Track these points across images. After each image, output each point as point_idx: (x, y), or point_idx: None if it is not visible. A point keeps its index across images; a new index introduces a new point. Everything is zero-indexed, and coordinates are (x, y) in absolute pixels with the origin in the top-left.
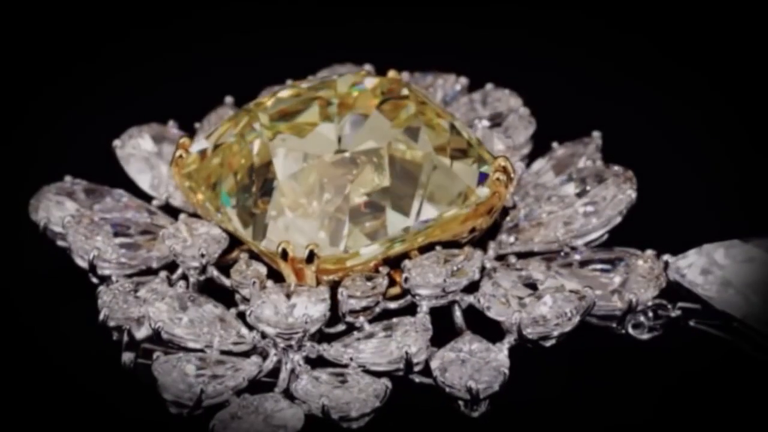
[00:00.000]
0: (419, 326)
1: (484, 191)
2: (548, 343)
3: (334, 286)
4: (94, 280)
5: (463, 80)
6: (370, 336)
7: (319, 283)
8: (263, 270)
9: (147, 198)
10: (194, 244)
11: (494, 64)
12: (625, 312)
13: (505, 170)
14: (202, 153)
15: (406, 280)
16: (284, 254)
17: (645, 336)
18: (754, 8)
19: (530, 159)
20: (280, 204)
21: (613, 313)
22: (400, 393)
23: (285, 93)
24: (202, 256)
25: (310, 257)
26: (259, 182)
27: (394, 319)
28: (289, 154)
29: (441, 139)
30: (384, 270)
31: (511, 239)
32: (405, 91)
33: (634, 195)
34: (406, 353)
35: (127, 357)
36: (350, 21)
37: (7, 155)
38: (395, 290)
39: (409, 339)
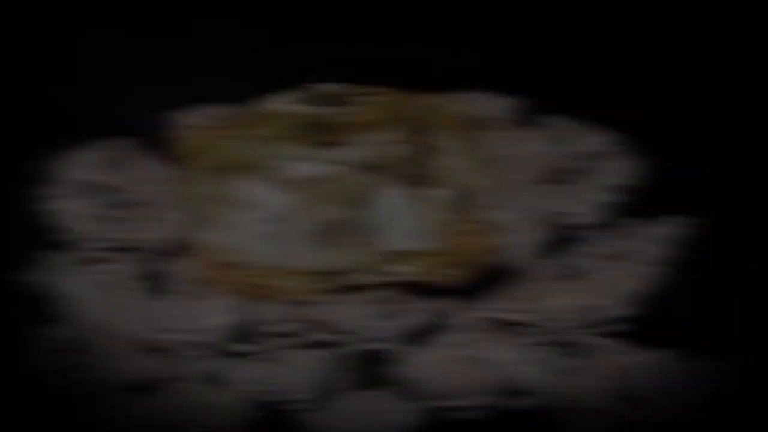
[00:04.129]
0: (305, 362)
1: (450, 243)
2: (462, 415)
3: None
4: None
5: (603, 138)
6: (259, 362)
7: (242, 294)
8: (198, 270)
9: None
10: (156, 228)
11: None
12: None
13: (491, 227)
14: (209, 135)
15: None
16: (205, 255)
17: None
18: None
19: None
20: (232, 206)
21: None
22: None
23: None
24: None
25: (229, 265)
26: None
27: (289, 352)
28: (273, 159)
29: (443, 187)
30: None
31: (504, 303)
32: (447, 131)
33: (636, 284)
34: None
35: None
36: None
37: None
38: None
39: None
